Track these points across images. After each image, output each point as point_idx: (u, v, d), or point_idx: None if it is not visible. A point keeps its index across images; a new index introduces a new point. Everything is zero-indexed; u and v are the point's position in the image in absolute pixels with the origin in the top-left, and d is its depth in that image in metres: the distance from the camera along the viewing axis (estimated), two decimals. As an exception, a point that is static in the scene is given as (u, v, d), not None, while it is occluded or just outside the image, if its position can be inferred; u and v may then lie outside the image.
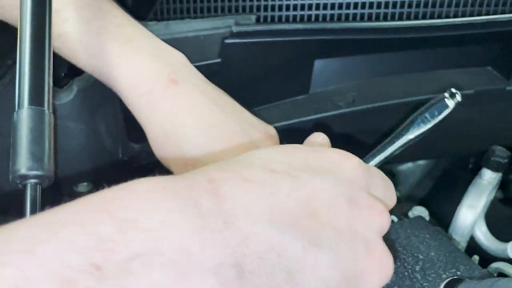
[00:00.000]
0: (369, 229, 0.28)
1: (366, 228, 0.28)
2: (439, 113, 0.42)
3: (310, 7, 0.51)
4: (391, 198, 0.33)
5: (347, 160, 0.30)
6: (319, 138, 0.37)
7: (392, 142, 0.42)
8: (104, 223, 0.21)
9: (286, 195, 0.25)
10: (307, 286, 0.24)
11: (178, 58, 0.44)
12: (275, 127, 0.46)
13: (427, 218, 0.54)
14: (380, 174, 0.33)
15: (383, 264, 0.28)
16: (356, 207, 0.28)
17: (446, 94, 0.42)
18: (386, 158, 0.42)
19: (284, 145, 0.31)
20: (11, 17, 0.43)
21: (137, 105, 0.41)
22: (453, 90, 0.42)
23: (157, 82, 0.41)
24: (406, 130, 0.42)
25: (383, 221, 0.29)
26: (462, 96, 0.42)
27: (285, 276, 0.23)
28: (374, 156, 0.42)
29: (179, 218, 0.22)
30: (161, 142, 0.41)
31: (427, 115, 0.42)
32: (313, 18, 0.51)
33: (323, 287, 0.24)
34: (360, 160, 0.31)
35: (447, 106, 0.41)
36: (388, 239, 0.41)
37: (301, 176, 0.27)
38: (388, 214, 0.30)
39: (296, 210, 0.25)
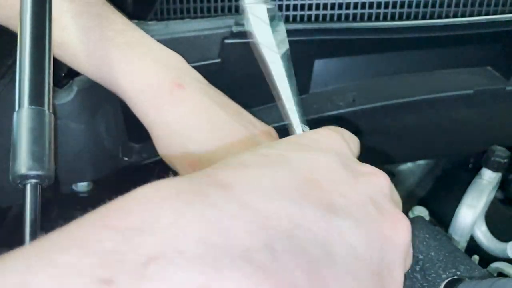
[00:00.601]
0: (372, 191, 0.28)
1: (369, 191, 0.27)
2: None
3: (310, 7, 0.51)
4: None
5: (330, 135, 0.30)
6: None
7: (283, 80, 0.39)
8: (105, 238, 0.19)
9: (288, 172, 0.25)
10: (340, 256, 0.23)
11: (179, 62, 0.44)
12: (275, 127, 0.46)
13: (427, 218, 0.54)
14: (348, 133, 0.33)
15: (397, 224, 0.27)
16: (354, 173, 0.28)
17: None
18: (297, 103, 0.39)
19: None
20: (6, 24, 0.43)
21: (142, 109, 0.42)
22: None
23: (162, 86, 0.41)
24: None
25: (382, 182, 0.29)
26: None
27: (320, 251, 0.22)
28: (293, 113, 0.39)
29: (189, 214, 0.20)
30: (166, 142, 0.42)
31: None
32: (313, 18, 0.51)
33: (354, 254, 0.24)
34: (341, 129, 0.31)
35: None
36: None
37: (293, 155, 0.27)
38: (385, 175, 0.29)
39: (302, 184, 0.25)
